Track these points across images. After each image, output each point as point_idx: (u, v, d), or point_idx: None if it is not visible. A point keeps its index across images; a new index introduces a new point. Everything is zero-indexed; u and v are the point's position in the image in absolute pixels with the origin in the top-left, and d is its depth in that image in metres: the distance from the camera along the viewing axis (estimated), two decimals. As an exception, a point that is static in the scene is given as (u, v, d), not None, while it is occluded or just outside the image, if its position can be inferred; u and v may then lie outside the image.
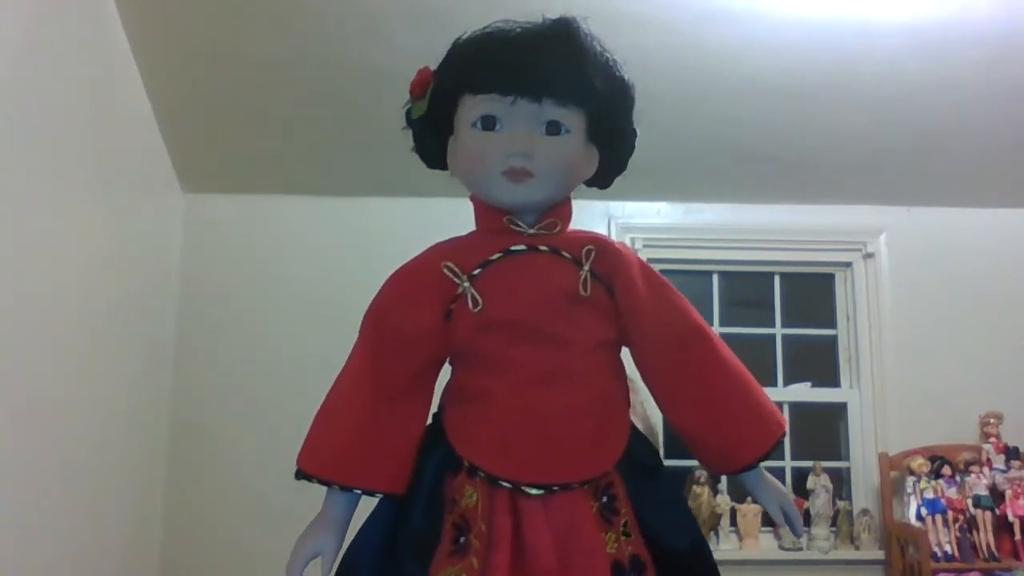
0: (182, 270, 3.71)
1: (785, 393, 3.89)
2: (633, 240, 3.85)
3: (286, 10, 2.98)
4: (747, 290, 4.11)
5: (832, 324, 3.98)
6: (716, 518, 3.60)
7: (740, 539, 3.65)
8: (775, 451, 1.03)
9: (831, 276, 4.01)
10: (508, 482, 0.95)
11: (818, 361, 3.98)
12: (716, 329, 3.93)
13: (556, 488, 0.95)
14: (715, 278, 3.99)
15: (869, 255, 3.91)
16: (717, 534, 3.63)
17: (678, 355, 1.03)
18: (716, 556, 3.78)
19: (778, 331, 3.97)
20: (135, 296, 3.27)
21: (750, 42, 3.09)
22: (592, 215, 3.81)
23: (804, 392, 3.91)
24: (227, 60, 3.14)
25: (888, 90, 3.30)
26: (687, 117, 3.39)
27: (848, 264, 3.95)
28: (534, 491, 0.94)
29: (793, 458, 3.84)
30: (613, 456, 0.98)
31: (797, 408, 3.90)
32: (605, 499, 0.96)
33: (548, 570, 0.92)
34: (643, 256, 3.76)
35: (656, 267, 4.25)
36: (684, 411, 1.04)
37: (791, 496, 1.08)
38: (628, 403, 1.04)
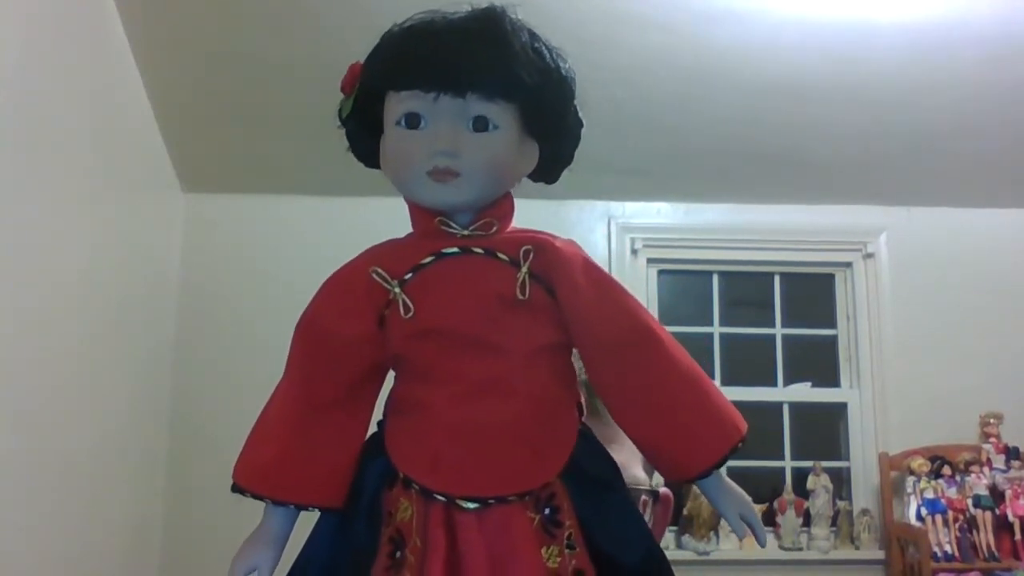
0: (182, 270, 3.71)
1: (785, 393, 3.89)
2: (633, 240, 3.85)
3: (286, 10, 2.98)
4: (747, 290, 4.11)
5: (832, 324, 3.98)
6: (716, 518, 3.60)
7: (740, 539, 3.65)
8: (731, 456, 0.95)
9: (831, 276, 4.00)
10: (442, 495, 0.91)
11: (818, 361, 3.98)
12: (716, 329, 3.94)
13: (492, 501, 0.91)
14: (715, 278, 3.99)
15: (869, 255, 3.91)
16: (717, 534, 3.63)
17: (623, 357, 0.96)
18: (716, 556, 3.75)
19: (778, 331, 3.97)
20: (135, 296, 3.27)
21: (750, 42, 3.09)
22: (592, 215, 3.82)
23: (804, 392, 3.91)
24: (227, 60, 3.14)
25: (888, 90, 3.29)
26: (687, 117, 3.39)
27: (848, 264, 3.95)
28: (469, 505, 0.90)
29: (793, 458, 3.84)
30: (555, 467, 0.93)
31: (797, 408, 3.90)
32: (547, 511, 0.91)
33: None
34: (643, 256, 3.84)
35: (656, 267, 4.21)
36: (632, 416, 0.98)
37: (753, 504, 1.00)
38: (579, 410, 0.99)
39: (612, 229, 3.84)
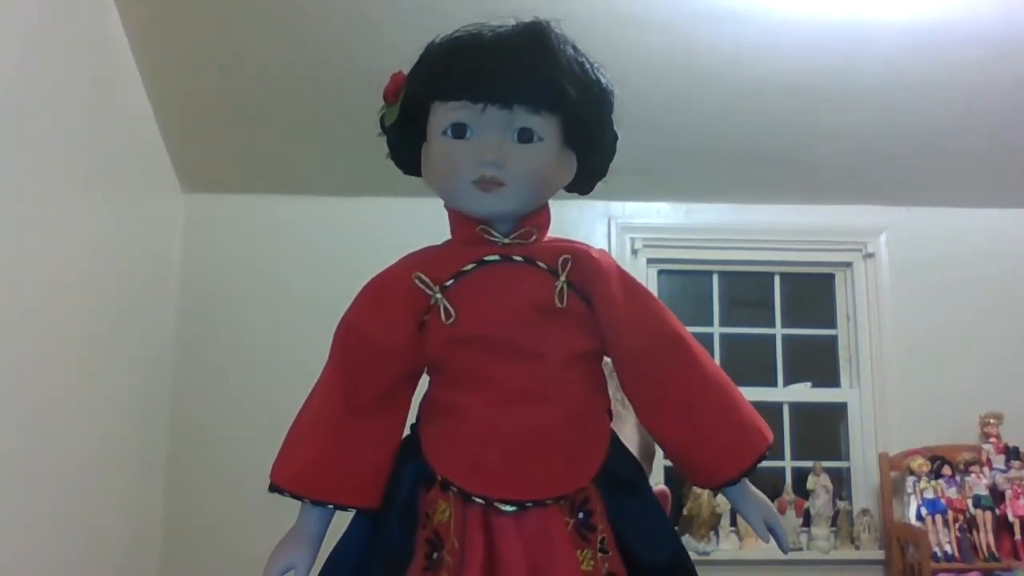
0: (182, 270, 3.71)
1: (785, 393, 3.90)
2: (633, 240, 3.86)
3: (286, 11, 2.98)
4: (747, 290, 4.11)
5: (832, 324, 3.98)
6: (716, 518, 3.60)
7: (740, 539, 3.66)
8: (758, 464, 0.98)
9: (831, 276, 4.01)
10: (480, 498, 0.93)
11: (818, 361, 3.98)
12: (716, 329, 3.95)
13: (529, 504, 0.93)
14: (715, 278, 3.99)
15: (869, 255, 3.91)
16: (717, 534, 3.63)
17: (656, 365, 0.99)
18: (716, 556, 3.76)
19: (778, 331, 3.97)
20: (135, 296, 3.27)
21: (750, 42, 3.09)
22: (592, 215, 3.82)
23: (804, 392, 3.91)
24: (227, 60, 3.14)
25: (888, 90, 3.30)
26: (687, 117, 3.40)
27: (848, 264, 3.95)
28: (507, 507, 0.92)
29: (793, 458, 3.84)
30: (589, 471, 0.95)
31: (797, 408, 3.90)
32: (581, 515, 0.93)
33: None
34: (643, 256, 3.85)
35: (656, 267, 4.22)
36: (663, 422, 1.01)
37: (776, 511, 1.02)
38: (609, 416, 1.01)
39: (612, 229, 3.84)
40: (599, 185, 1.09)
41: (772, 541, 1.01)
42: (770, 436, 1.00)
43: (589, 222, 3.79)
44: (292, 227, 3.77)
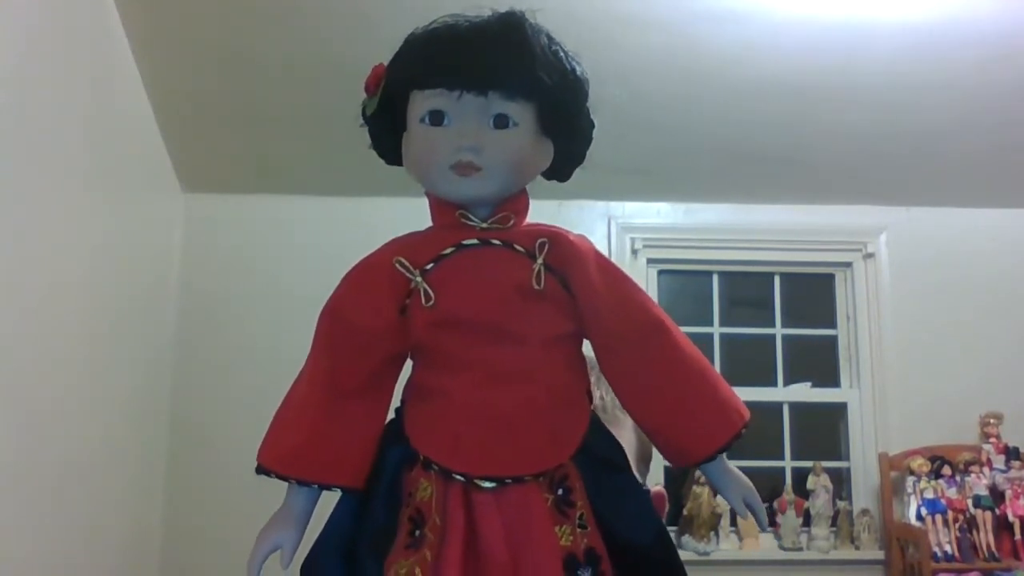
0: (182, 270, 3.71)
1: (785, 393, 3.90)
2: (633, 240, 3.86)
3: (286, 10, 2.98)
4: (747, 290, 4.11)
5: (832, 324, 3.98)
6: (716, 518, 3.60)
7: (740, 539, 3.65)
8: (735, 442, 1.01)
9: (831, 276, 4.01)
10: (461, 475, 0.95)
11: (818, 361, 3.98)
12: (716, 329, 3.95)
13: (509, 481, 0.95)
14: (715, 278, 3.99)
15: (869, 255, 3.91)
16: (717, 534, 3.63)
17: (635, 347, 1.02)
18: (716, 556, 3.75)
19: (778, 331, 3.97)
20: (135, 296, 3.27)
21: (750, 43, 3.10)
22: (592, 215, 3.82)
23: (804, 392, 3.92)
24: (227, 60, 3.14)
25: (888, 90, 3.30)
26: (687, 117, 3.40)
27: (848, 264, 3.95)
28: (486, 484, 0.95)
29: (793, 458, 3.84)
30: (568, 449, 0.97)
31: (797, 408, 3.90)
32: (560, 492, 0.96)
33: (499, 562, 0.93)
34: (643, 256, 3.85)
35: (656, 267, 4.21)
36: (642, 402, 1.03)
37: (755, 488, 1.04)
38: (588, 396, 1.03)
39: (612, 229, 3.84)
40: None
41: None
42: (747, 414, 1.03)
43: (589, 222, 3.79)
44: (292, 227, 3.77)
